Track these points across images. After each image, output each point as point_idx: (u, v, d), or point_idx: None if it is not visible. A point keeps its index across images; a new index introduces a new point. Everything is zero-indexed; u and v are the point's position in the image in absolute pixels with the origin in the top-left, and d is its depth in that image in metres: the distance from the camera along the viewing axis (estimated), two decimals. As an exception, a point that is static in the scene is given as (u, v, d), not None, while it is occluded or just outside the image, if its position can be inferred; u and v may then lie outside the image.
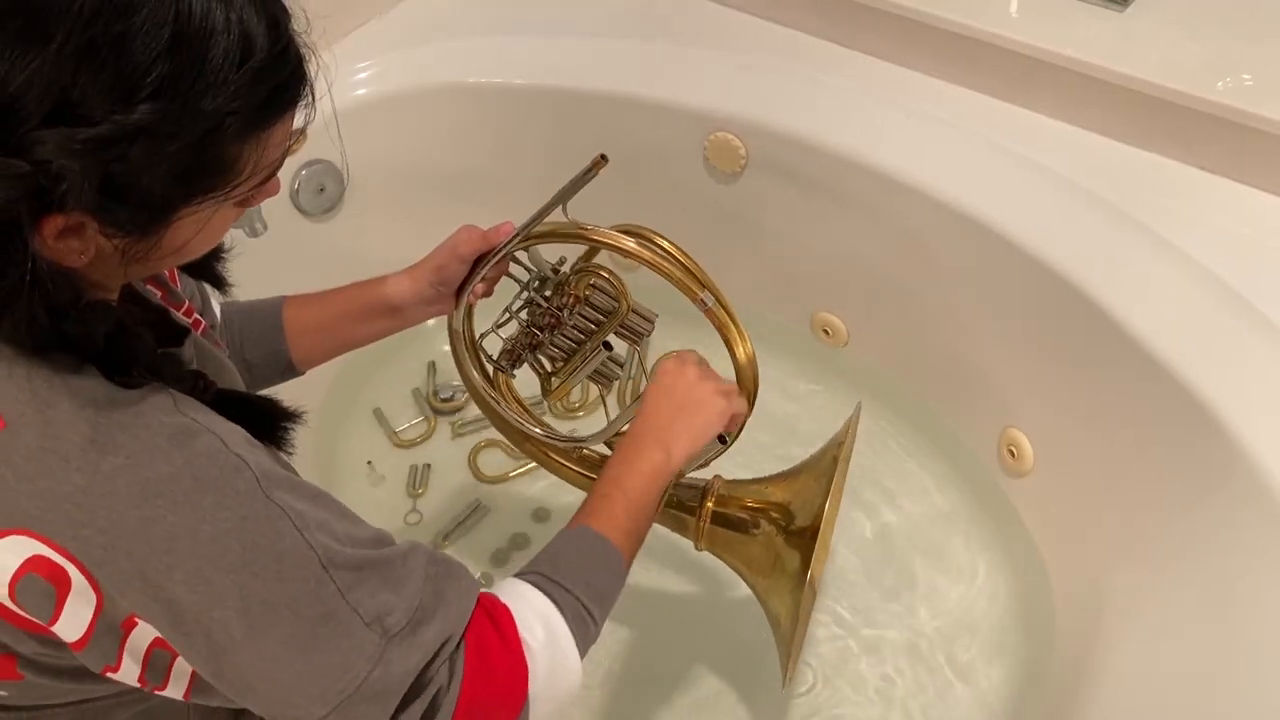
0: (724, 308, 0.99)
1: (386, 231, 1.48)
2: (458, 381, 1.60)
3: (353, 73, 1.46)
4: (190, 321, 0.83)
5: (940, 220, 1.27)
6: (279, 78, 0.62)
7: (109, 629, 0.66)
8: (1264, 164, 1.18)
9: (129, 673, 0.69)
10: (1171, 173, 1.23)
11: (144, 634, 0.67)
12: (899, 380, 1.53)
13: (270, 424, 0.74)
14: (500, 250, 0.98)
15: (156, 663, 0.69)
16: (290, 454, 0.76)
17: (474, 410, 1.59)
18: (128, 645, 0.68)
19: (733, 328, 0.99)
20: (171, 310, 0.81)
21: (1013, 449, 1.36)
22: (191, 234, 0.65)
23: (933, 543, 1.42)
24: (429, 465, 1.54)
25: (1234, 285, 1.09)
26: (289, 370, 1.04)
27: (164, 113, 0.57)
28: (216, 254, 0.81)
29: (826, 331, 1.56)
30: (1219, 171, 1.22)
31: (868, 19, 1.38)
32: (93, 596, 0.64)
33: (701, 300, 0.98)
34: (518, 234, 0.97)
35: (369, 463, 1.53)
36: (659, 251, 0.97)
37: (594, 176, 0.93)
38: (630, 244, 0.96)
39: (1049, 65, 1.27)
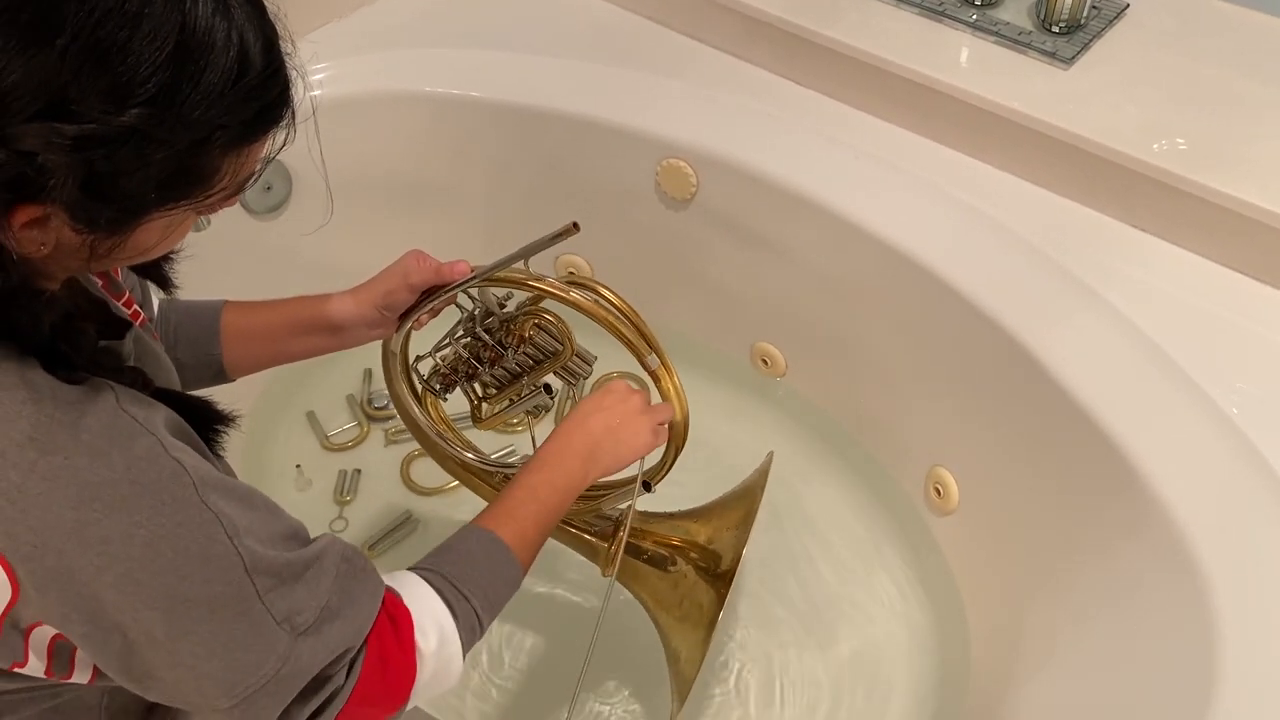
0: (667, 369, 1.02)
1: (331, 235, 1.45)
2: (394, 389, 1.59)
3: (308, 74, 1.44)
4: (130, 314, 0.82)
5: (881, 260, 1.30)
6: (269, 96, 0.63)
7: (14, 626, 0.66)
8: (1193, 226, 1.22)
9: (35, 667, 0.69)
10: (1107, 229, 1.27)
11: (45, 630, 0.67)
12: (833, 412, 1.55)
13: (203, 427, 0.74)
14: (452, 289, 0.99)
15: (60, 654, 0.69)
16: (220, 456, 0.76)
17: (409, 419, 1.58)
18: (31, 641, 0.67)
19: (673, 390, 1.03)
20: (112, 302, 0.80)
21: (939, 487, 1.38)
22: (158, 237, 0.65)
23: (855, 574, 1.44)
24: (359, 471, 1.53)
25: (1159, 342, 1.13)
26: (220, 375, 1.04)
27: (157, 119, 0.57)
28: (168, 255, 0.81)
29: (765, 361, 1.58)
30: (1151, 231, 1.25)
31: (825, 60, 1.41)
32: (8, 590, 0.63)
33: (648, 362, 1.01)
34: (474, 278, 0.98)
35: (298, 466, 1.51)
36: (612, 311, 1.00)
37: (562, 240, 0.95)
38: (586, 303, 0.99)
39: (995, 117, 1.30)
